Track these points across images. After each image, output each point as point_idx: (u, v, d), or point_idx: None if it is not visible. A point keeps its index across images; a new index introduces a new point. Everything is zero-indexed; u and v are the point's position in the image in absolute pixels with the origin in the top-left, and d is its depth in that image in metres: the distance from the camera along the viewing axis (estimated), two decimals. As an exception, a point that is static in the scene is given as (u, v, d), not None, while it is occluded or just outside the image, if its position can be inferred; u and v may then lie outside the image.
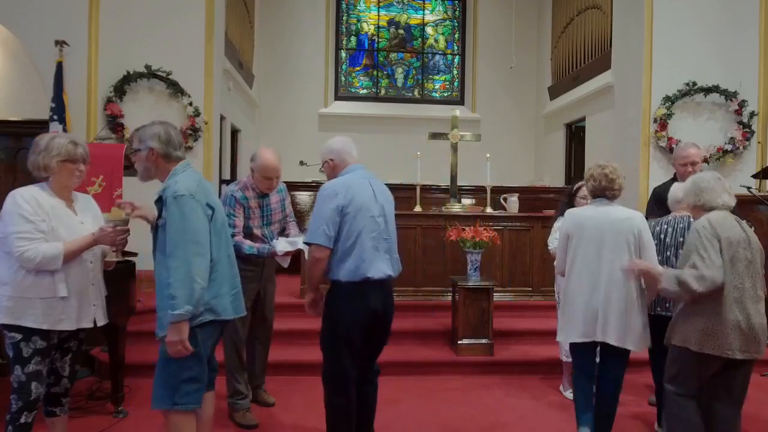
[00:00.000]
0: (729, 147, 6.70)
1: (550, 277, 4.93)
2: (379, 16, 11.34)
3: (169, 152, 2.57)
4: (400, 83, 11.41)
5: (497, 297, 5.21)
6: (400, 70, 11.41)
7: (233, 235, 3.47)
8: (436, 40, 11.48)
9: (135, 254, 4.06)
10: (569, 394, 4.12)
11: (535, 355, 4.84)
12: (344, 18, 11.22)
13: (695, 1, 6.74)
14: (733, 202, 2.89)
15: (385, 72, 11.39)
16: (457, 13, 11.47)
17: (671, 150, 6.31)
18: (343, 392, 2.95)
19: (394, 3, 11.38)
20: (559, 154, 9.85)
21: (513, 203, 6.34)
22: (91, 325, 2.80)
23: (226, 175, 8.19)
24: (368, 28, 11.33)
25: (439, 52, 11.48)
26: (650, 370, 3.67)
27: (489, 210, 6.13)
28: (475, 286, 4.86)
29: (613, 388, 3.21)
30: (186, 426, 2.52)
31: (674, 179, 4.06)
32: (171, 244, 2.40)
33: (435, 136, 6.33)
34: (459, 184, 6.38)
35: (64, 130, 5.74)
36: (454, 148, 6.26)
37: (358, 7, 11.28)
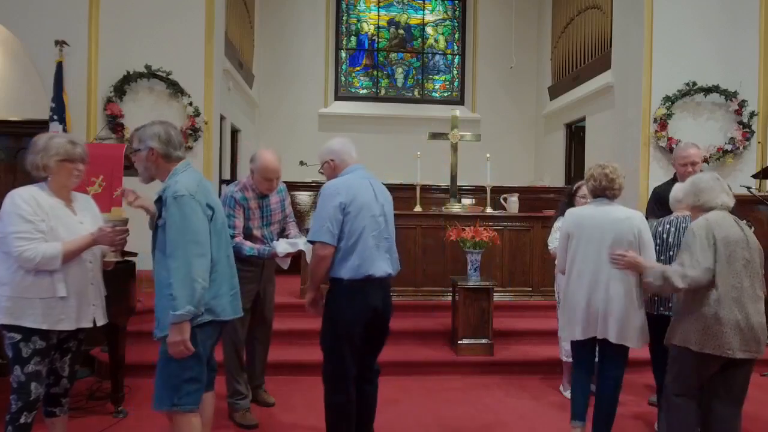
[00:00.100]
0: (729, 147, 6.71)
1: (550, 277, 4.93)
2: (379, 16, 11.34)
3: (169, 152, 2.56)
4: (400, 83, 11.41)
5: (497, 297, 5.21)
6: (400, 70, 11.41)
7: (233, 236, 3.47)
8: (436, 40, 11.48)
9: (135, 254, 4.05)
10: (569, 394, 4.11)
11: (535, 355, 4.84)
12: (344, 18, 11.22)
13: (695, 1, 6.74)
14: (732, 203, 2.91)
15: (385, 72, 11.39)
16: (457, 13, 11.47)
17: (671, 150, 6.31)
18: (343, 390, 2.96)
19: (394, 3, 11.38)
20: (559, 154, 9.86)
21: (513, 203, 6.34)
22: (90, 325, 2.80)
23: (226, 175, 8.19)
24: (368, 28, 11.33)
25: (439, 52, 11.48)
26: (650, 370, 3.67)
27: (489, 210, 6.13)
28: (475, 286, 4.86)
29: (612, 387, 3.21)
30: (191, 426, 2.51)
31: (674, 179, 4.06)
32: (171, 245, 2.39)
33: (435, 136, 6.33)
34: (459, 184, 6.38)
35: (64, 130, 5.74)
36: (454, 148, 6.26)
37: (358, 7, 11.28)
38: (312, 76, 10.65)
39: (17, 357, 2.62)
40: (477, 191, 7.76)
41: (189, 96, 6.50)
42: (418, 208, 6.04)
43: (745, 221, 4.80)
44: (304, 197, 7.67)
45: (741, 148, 6.71)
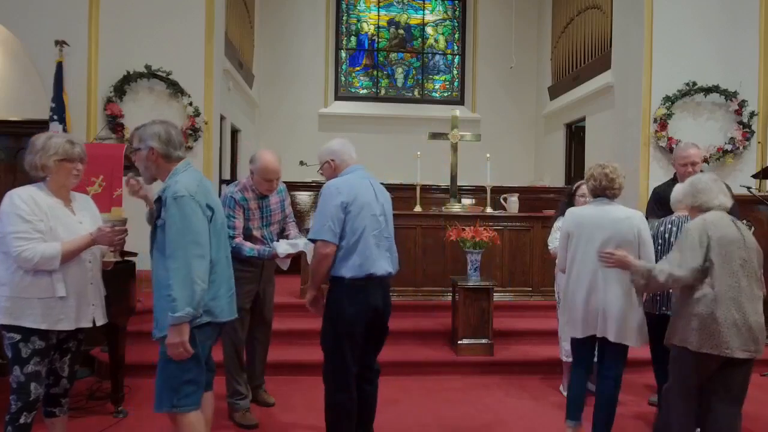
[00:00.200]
0: (729, 147, 6.70)
1: (550, 277, 4.93)
2: (379, 16, 11.34)
3: (170, 152, 2.54)
4: (400, 83, 11.41)
5: (497, 297, 5.21)
6: (400, 70, 11.41)
7: (233, 237, 3.47)
8: (436, 40, 11.48)
9: (135, 254, 4.06)
10: (569, 394, 4.13)
11: (535, 355, 4.84)
12: (344, 18, 11.22)
13: (695, 1, 6.74)
14: (729, 203, 2.93)
15: (385, 72, 11.39)
16: (457, 13, 11.47)
17: (671, 150, 6.31)
18: (344, 389, 2.96)
19: (394, 3, 11.38)
20: (559, 154, 9.86)
21: (513, 203, 6.34)
22: (90, 325, 2.80)
23: (226, 175, 8.19)
24: (368, 28, 11.33)
25: (439, 52, 11.48)
26: (650, 370, 3.68)
27: (489, 210, 6.13)
28: (475, 286, 4.86)
29: (612, 387, 3.22)
30: (192, 426, 2.50)
31: (674, 179, 4.06)
32: (171, 246, 2.38)
33: (435, 136, 6.33)
34: (459, 184, 6.38)
35: (64, 130, 5.74)
36: (454, 148, 6.26)
37: (358, 7, 11.28)
38: (312, 76, 10.65)
39: (16, 357, 2.62)
40: (477, 191, 7.76)
41: (189, 96, 6.50)
42: (418, 208, 6.04)
43: (744, 221, 4.81)
44: (304, 197, 7.67)
45: (741, 148, 6.71)
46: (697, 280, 2.80)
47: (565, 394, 4.22)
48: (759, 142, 6.73)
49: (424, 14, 11.41)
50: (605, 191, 3.21)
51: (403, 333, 4.91)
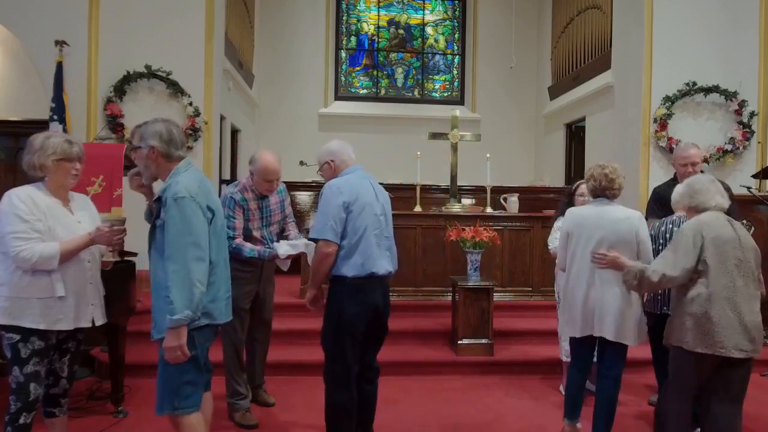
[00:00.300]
0: (729, 147, 6.70)
1: (550, 277, 4.93)
2: (379, 16, 11.34)
3: (171, 152, 2.51)
4: (400, 83, 11.41)
5: (497, 297, 5.21)
6: (400, 70, 11.41)
7: (233, 238, 3.47)
8: (436, 40, 11.48)
9: (135, 254, 4.06)
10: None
11: (535, 355, 4.84)
12: (344, 18, 11.22)
13: (695, 1, 6.74)
14: (726, 204, 2.95)
15: (385, 72, 11.39)
16: (457, 13, 11.47)
17: (671, 150, 6.31)
18: (344, 388, 2.97)
19: (394, 3, 11.38)
20: (559, 154, 9.86)
21: (513, 203, 6.34)
22: (89, 325, 2.79)
23: (226, 175, 8.19)
24: (368, 28, 11.33)
25: (439, 52, 11.48)
26: (650, 370, 3.68)
27: (489, 210, 6.13)
28: (475, 286, 4.86)
29: (612, 386, 3.23)
30: (193, 428, 2.49)
31: (674, 179, 4.06)
32: (170, 247, 2.35)
33: (435, 136, 6.33)
34: (459, 184, 6.38)
35: (64, 130, 5.75)
36: (454, 148, 6.26)
37: (358, 7, 11.28)
38: (312, 76, 10.65)
39: (16, 357, 2.62)
40: (477, 191, 7.76)
41: (189, 96, 6.50)
42: (418, 208, 6.04)
43: (744, 221, 4.81)
44: (304, 197, 7.67)
45: (741, 148, 6.71)
46: (692, 281, 2.82)
47: (565, 394, 4.23)
48: (759, 142, 6.73)
49: (424, 14, 11.41)
50: (605, 191, 3.23)
51: (403, 333, 4.91)
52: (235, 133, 8.76)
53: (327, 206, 2.92)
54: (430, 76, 11.45)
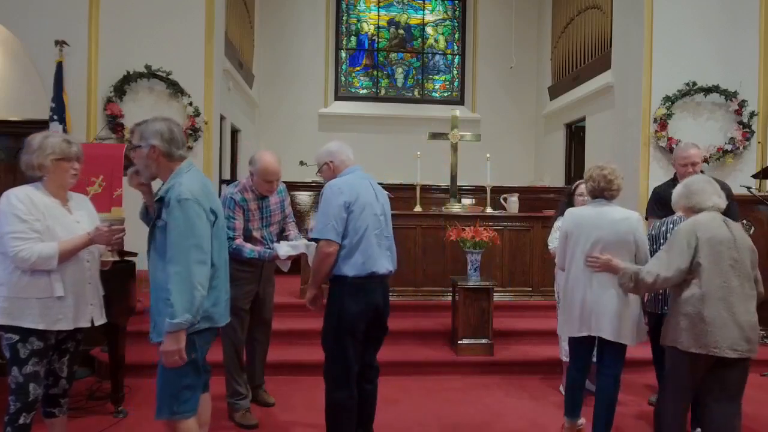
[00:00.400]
0: (729, 147, 6.70)
1: (550, 277, 4.93)
2: (379, 16, 11.34)
3: (172, 151, 2.46)
4: (400, 83, 11.41)
5: (497, 297, 5.21)
6: (400, 70, 11.41)
7: (233, 238, 3.47)
8: (436, 40, 11.48)
9: (135, 254, 4.06)
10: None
11: (535, 355, 4.84)
12: (344, 18, 11.22)
13: (695, 1, 6.74)
14: (723, 204, 2.97)
15: (385, 72, 11.39)
16: (457, 13, 11.47)
17: (671, 150, 6.31)
18: (345, 387, 2.98)
19: (394, 3, 11.38)
20: (559, 154, 9.86)
21: (513, 203, 6.34)
22: (88, 325, 2.79)
23: (226, 175, 8.19)
24: (368, 28, 11.33)
25: (439, 52, 11.48)
26: (650, 370, 3.69)
27: (489, 210, 6.13)
28: (475, 286, 4.86)
29: (612, 385, 3.25)
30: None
31: (674, 179, 4.06)
32: (172, 249, 2.31)
33: (435, 136, 6.33)
34: (459, 184, 6.38)
35: (64, 130, 5.75)
36: (454, 148, 6.26)
37: (358, 7, 11.28)
38: (312, 76, 10.65)
39: (15, 358, 2.61)
40: (477, 191, 7.76)
41: (189, 96, 6.50)
42: (418, 208, 6.04)
43: (744, 221, 4.81)
44: (304, 197, 7.67)
45: (741, 148, 6.71)
46: (687, 281, 2.83)
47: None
48: (759, 142, 6.73)
49: (424, 14, 11.41)
50: (603, 192, 3.25)
51: (403, 333, 4.91)
52: (235, 133, 8.76)
53: (328, 206, 2.93)
54: (430, 76, 11.46)
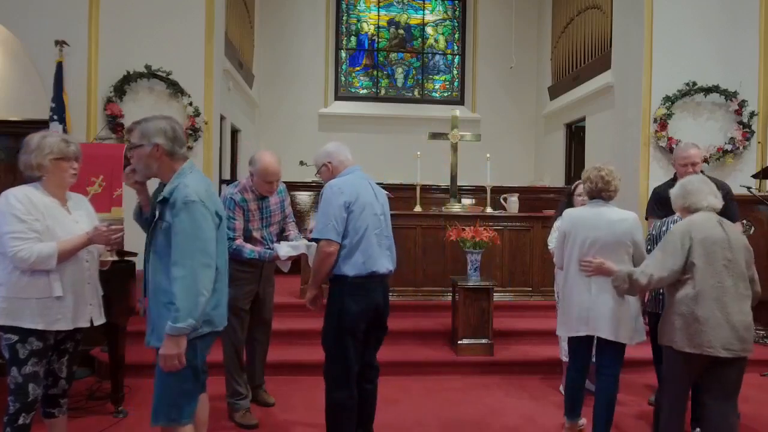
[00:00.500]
0: (729, 147, 6.70)
1: (550, 277, 4.94)
2: (379, 16, 11.34)
3: (175, 150, 2.41)
4: (400, 83, 11.40)
5: (497, 297, 5.21)
6: (400, 70, 11.41)
7: (233, 239, 3.47)
8: (436, 40, 11.47)
9: (134, 254, 4.05)
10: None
11: (535, 355, 4.84)
12: (344, 18, 11.22)
13: (695, 1, 6.73)
14: (719, 205, 2.99)
15: (385, 72, 11.39)
16: (457, 13, 11.47)
17: (671, 150, 6.30)
18: (345, 387, 2.98)
19: (394, 3, 11.38)
20: (559, 154, 9.85)
21: (513, 203, 6.34)
22: (87, 325, 2.79)
23: (226, 175, 8.19)
24: (368, 28, 11.32)
25: (439, 52, 11.48)
26: (650, 370, 3.70)
27: (489, 210, 6.13)
28: (475, 286, 4.86)
29: (611, 384, 3.27)
30: None
31: (674, 179, 4.06)
32: (178, 253, 2.25)
33: (435, 136, 6.33)
34: (459, 184, 6.38)
35: (64, 130, 5.74)
36: (454, 148, 6.26)
37: (358, 7, 11.28)
38: (312, 76, 10.64)
39: (14, 358, 2.61)
40: (477, 191, 7.76)
41: (189, 96, 6.49)
42: (418, 208, 6.04)
43: (744, 221, 4.81)
44: (304, 197, 7.67)
45: (741, 148, 6.70)
46: (681, 281, 2.86)
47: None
48: (759, 142, 6.72)
49: (424, 14, 11.41)
50: (601, 193, 3.28)
51: (403, 333, 4.91)
52: (235, 133, 8.76)
53: (328, 206, 2.93)
54: (430, 76, 11.45)
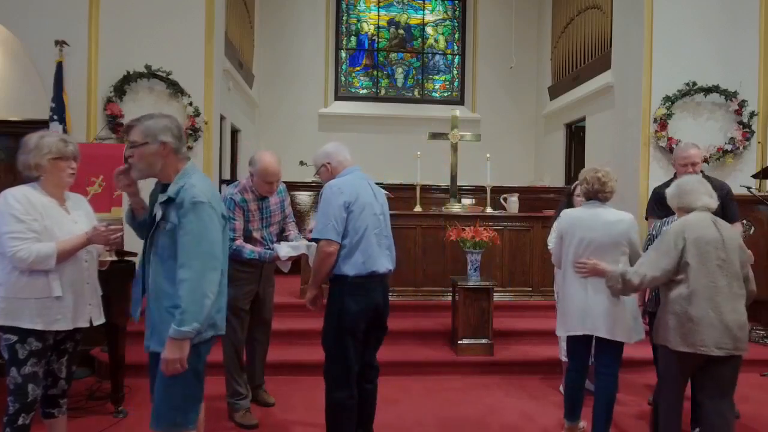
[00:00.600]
0: (729, 147, 6.70)
1: (550, 277, 4.94)
2: (379, 16, 11.34)
3: (180, 148, 2.36)
4: (400, 83, 11.40)
5: (497, 297, 5.21)
6: (400, 70, 11.41)
7: (233, 239, 3.47)
8: (436, 40, 11.47)
9: (134, 254, 4.05)
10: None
11: (535, 355, 4.84)
12: (344, 18, 11.22)
13: (695, 1, 6.73)
14: (714, 205, 3.01)
15: (385, 72, 11.39)
16: (457, 13, 11.47)
17: (671, 150, 6.30)
18: (345, 387, 2.99)
19: (394, 3, 11.38)
20: (559, 154, 9.85)
21: (513, 203, 6.34)
22: (87, 325, 2.79)
23: (226, 175, 8.19)
24: (368, 28, 11.32)
25: (439, 52, 11.48)
26: (649, 370, 3.70)
27: (489, 210, 6.13)
28: (475, 286, 4.86)
29: (610, 383, 3.28)
30: None
31: (674, 179, 4.06)
32: (184, 254, 2.19)
33: (435, 136, 6.33)
34: (459, 184, 6.38)
35: (64, 130, 5.74)
36: (454, 148, 6.26)
37: (358, 7, 11.28)
38: (312, 76, 10.64)
39: (13, 358, 2.61)
40: (477, 191, 7.76)
41: (189, 96, 6.49)
42: (418, 208, 6.03)
43: (744, 221, 4.81)
44: (304, 197, 7.67)
45: (741, 148, 6.70)
46: (675, 281, 2.88)
47: (565, 394, 4.24)
48: (759, 142, 6.72)
49: (424, 14, 11.40)
50: (597, 194, 3.31)
51: (403, 333, 4.91)
52: (235, 133, 8.75)
53: (328, 206, 2.94)
54: (430, 76, 11.45)
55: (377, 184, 3.25)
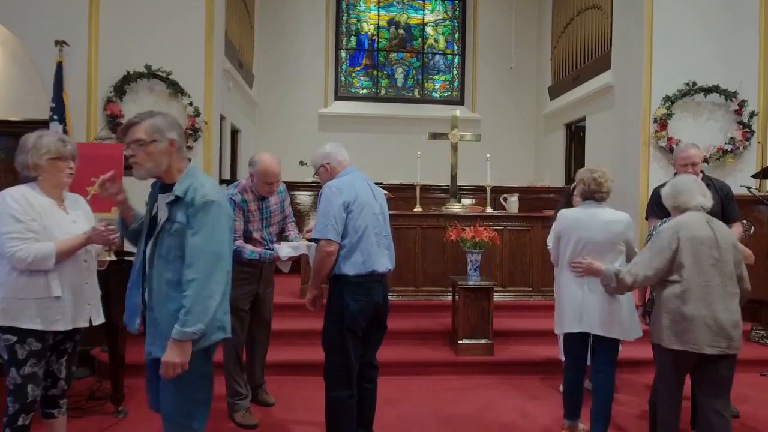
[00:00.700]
0: (729, 147, 6.71)
1: (550, 277, 4.93)
2: (379, 16, 11.34)
3: (183, 147, 2.32)
4: (400, 83, 11.41)
5: (497, 297, 5.21)
6: (400, 70, 11.41)
7: (233, 240, 3.46)
8: (436, 40, 11.48)
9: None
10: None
11: (535, 355, 4.84)
12: (344, 18, 11.22)
13: (695, 1, 6.74)
14: (709, 204, 3.02)
15: (385, 72, 11.39)
16: (457, 13, 11.47)
17: (671, 150, 6.31)
18: (345, 386, 2.99)
19: (394, 3, 11.38)
20: (559, 154, 9.86)
21: (513, 203, 6.34)
22: (86, 325, 2.79)
23: (226, 175, 8.19)
24: (368, 28, 11.33)
25: (439, 52, 11.48)
26: (649, 370, 3.70)
27: (489, 210, 6.13)
28: (475, 286, 4.86)
29: (607, 381, 3.29)
30: None
31: (674, 179, 4.07)
32: (192, 254, 2.12)
33: (435, 136, 6.33)
34: (459, 184, 6.38)
35: (64, 131, 5.75)
36: (454, 148, 6.26)
37: (358, 7, 11.29)
38: (312, 76, 10.65)
39: (13, 359, 2.61)
40: (477, 191, 7.77)
41: (189, 96, 6.50)
42: (418, 208, 6.03)
43: (744, 221, 4.81)
44: (304, 197, 7.67)
45: (741, 148, 6.71)
46: (669, 280, 2.90)
47: (564, 394, 4.25)
48: (759, 142, 6.73)
49: (424, 14, 11.41)
50: (594, 195, 3.34)
51: (403, 333, 4.91)
52: (235, 133, 8.76)
53: (327, 206, 2.95)
54: (430, 76, 11.46)
55: (377, 184, 3.26)
